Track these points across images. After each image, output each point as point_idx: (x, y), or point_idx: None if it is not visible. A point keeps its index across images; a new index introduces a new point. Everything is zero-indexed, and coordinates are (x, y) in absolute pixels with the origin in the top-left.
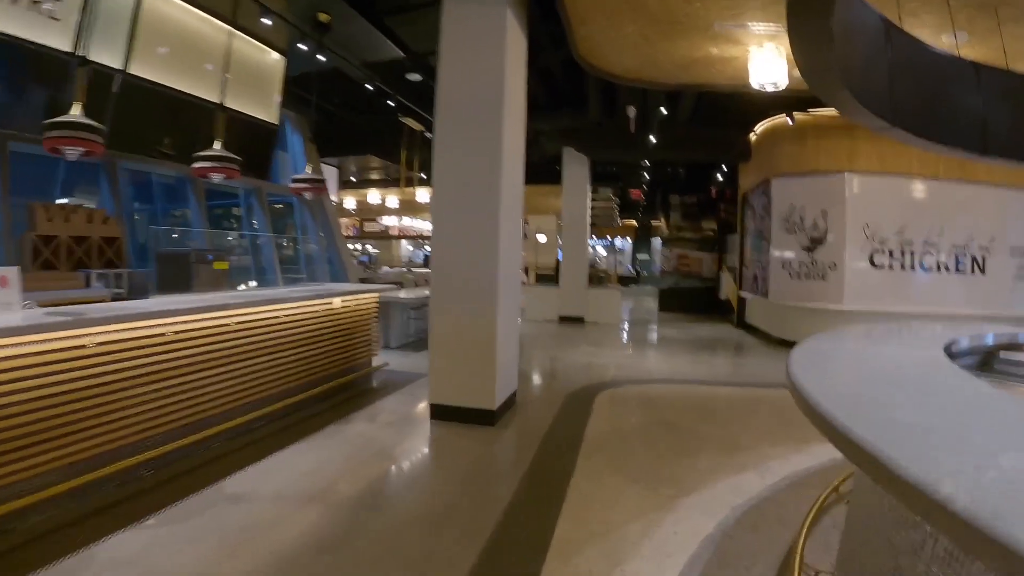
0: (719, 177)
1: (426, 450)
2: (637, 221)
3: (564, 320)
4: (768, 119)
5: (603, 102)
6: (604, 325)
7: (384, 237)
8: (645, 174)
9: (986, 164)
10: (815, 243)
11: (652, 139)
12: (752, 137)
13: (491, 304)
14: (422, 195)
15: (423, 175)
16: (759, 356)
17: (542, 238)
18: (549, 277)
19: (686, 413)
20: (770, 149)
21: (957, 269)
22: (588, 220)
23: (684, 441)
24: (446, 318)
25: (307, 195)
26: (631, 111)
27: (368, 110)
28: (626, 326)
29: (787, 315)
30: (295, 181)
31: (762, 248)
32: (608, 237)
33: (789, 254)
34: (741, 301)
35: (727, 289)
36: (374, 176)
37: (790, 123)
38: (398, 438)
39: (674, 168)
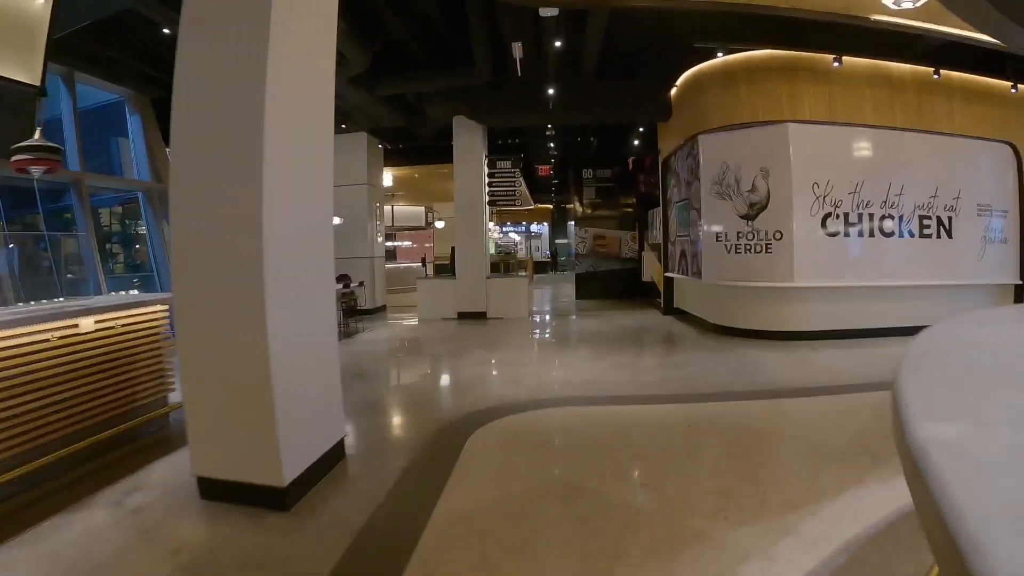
0: (636, 143)
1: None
2: (552, 204)
3: (463, 317)
4: (692, 67)
5: (493, 53)
6: (510, 320)
7: None
8: (551, 145)
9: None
10: (755, 209)
11: (551, 92)
12: (673, 91)
13: (257, 321)
14: None
15: None
16: (695, 350)
17: (440, 224)
18: (448, 268)
19: (601, 460)
20: (695, 101)
21: (922, 234)
22: (485, 199)
23: (595, 528)
24: (195, 342)
25: (35, 171)
26: (517, 50)
27: None
28: (536, 320)
29: (725, 297)
30: (14, 152)
31: (690, 220)
32: (524, 223)
33: (724, 225)
34: (668, 283)
35: (651, 270)
36: None
37: (719, 59)
38: (130, 542)
39: (584, 137)
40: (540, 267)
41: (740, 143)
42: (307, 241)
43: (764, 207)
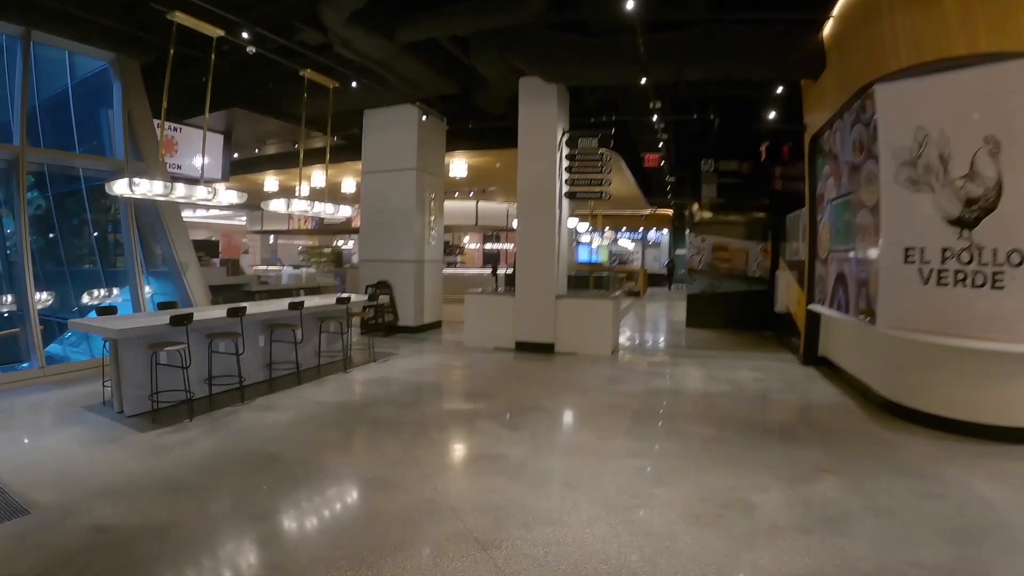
0: (771, 116)
1: None
2: (672, 207)
3: (523, 349)
4: None
5: None
6: (583, 361)
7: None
8: (659, 126)
9: None
10: (975, 209)
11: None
12: (826, 29)
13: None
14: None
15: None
16: (860, 462)
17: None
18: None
19: None
20: (866, 34)
21: None
22: (560, 189)
23: None
24: None
25: None
26: None
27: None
28: (619, 363)
29: (914, 357)
30: None
31: (855, 226)
32: (641, 229)
33: (918, 235)
34: (813, 320)
35: (787, 298)
36: (272, 149)
37: None
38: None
39: (701, 113)
40: (655, 280)
41: (948, 95)
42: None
43: (991, 206)
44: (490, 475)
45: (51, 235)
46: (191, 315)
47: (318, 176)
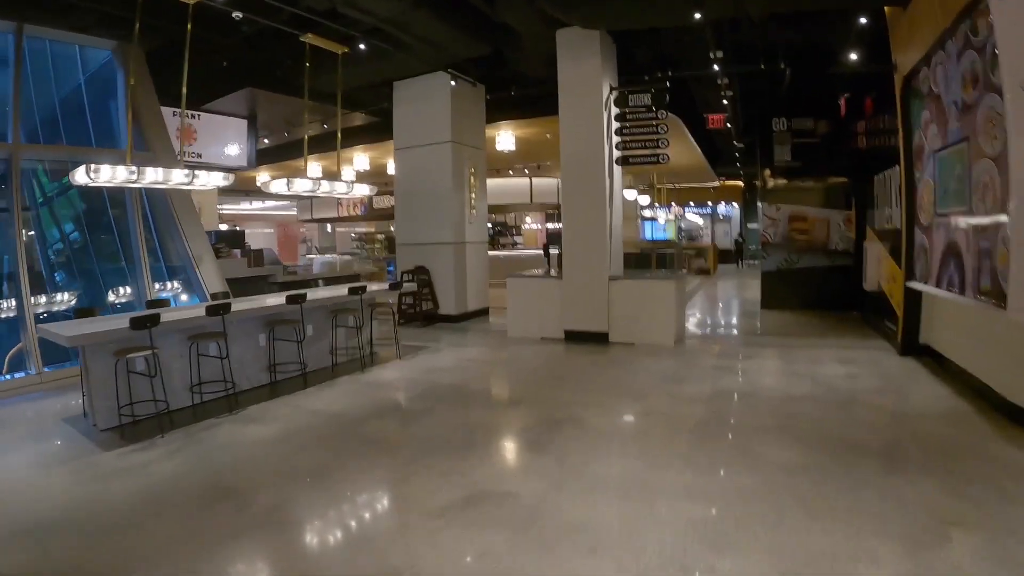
0: (852, 57)
1: None
2: (743, 179)
3: (573, 338)
4: None
5: None
6: (641, 352)
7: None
8: (720, 75)
9: None
10: None
11: None
12: None
13: None
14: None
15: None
16: (1003, 509)
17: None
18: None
19: None
20: None
21: None
22: (609, 155)
23: None
24: None
25: None
26: None
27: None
28: (684, 354)
29: None
30: None
31: (972, 181)
32: (709, 204)
33: None
34: (913, 300)
35: (878, 273)
36: (312, 131)
37: None
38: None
39: (770, 63)
40: (726, 257)
41: None
42: None
43: None
44: (490, 528)
45: (77, 234)
46: (156, 316)
47: (361, 159)
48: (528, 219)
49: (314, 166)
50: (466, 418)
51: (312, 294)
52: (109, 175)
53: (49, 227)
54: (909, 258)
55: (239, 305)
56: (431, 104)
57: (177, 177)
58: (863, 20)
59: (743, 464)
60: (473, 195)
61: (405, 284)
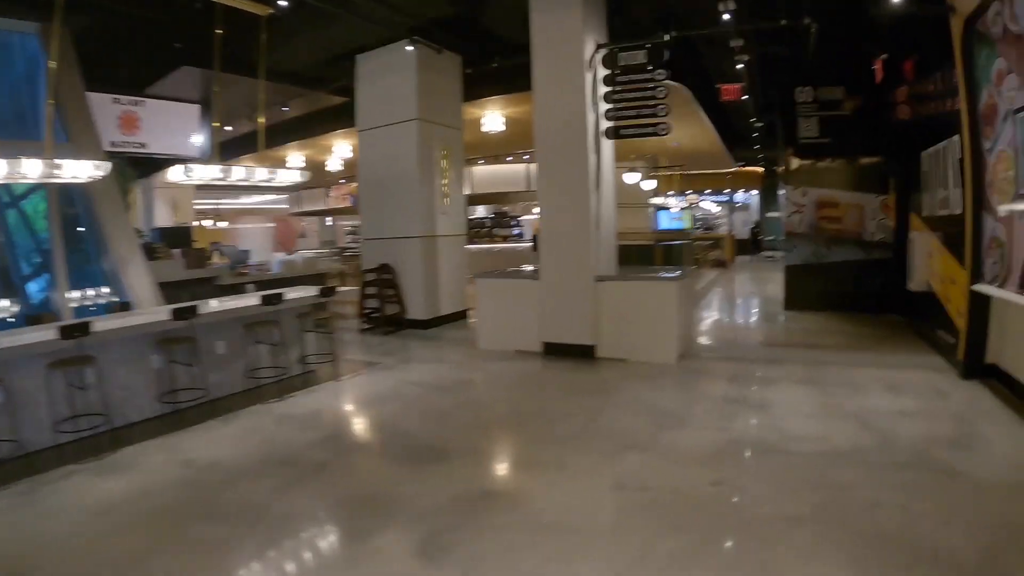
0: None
1: None
2: (763, 165)
3: (553, 352)
4: None
5: None
6: (636, 373)
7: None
8: (734, 35)
9: None
10: None
11: None
12: None
13: None
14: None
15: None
16: None
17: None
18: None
19: None
20: None
21: None
22: (594, 126)
23: None
24: None
25: None
26: None
27: None
28: (686, 375)
29: None
30: None
31: None
32: (728, 191)
33: None
34: (980, 307)
35: (926, 271)
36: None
37: None
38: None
39: (795, 24)
40: (744, 247)
41: None
42: None
43: None
44: None
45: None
46: None
47: (344, 147)
48: (536, 209)
49: (297, 155)
50: (361, 483)
51: (220, 304)
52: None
53: None
54: (976, 253)
55: (111, 323)
56: (395, 77)
57: (35, 170)
58: None
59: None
60: (446, 181)
61: (370, 287)
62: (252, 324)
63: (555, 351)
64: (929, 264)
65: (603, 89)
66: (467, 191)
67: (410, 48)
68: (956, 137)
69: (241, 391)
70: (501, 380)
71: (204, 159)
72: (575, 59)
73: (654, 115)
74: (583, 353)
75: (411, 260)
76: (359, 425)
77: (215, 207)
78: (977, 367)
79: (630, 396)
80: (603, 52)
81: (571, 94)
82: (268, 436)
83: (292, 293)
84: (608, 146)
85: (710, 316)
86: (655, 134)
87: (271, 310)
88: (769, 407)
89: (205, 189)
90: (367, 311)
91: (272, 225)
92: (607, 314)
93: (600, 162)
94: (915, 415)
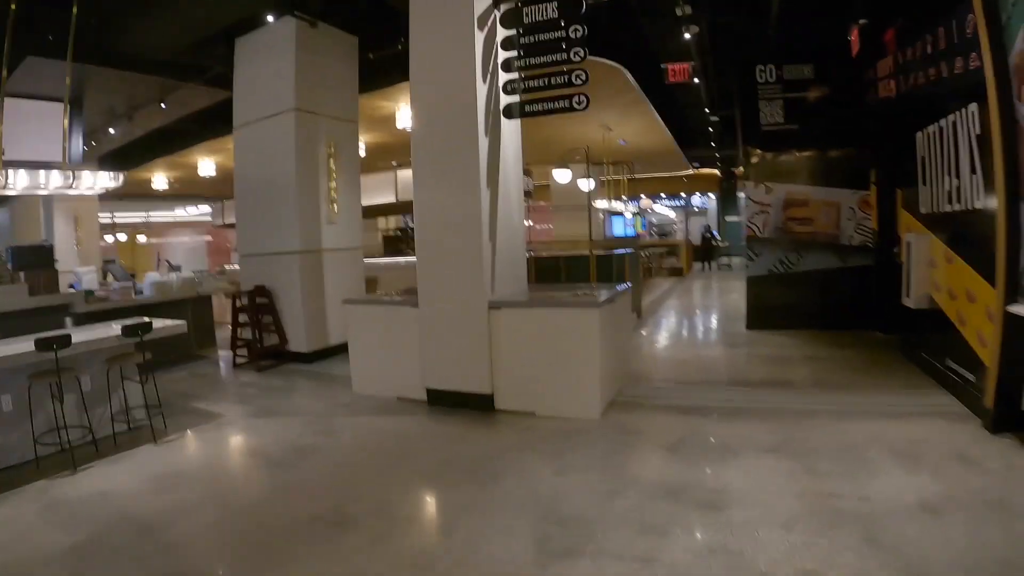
0: None
1: None
2: (719, 168)
3: (438, 402)
4: None
5: None
6: (545, 433)
7: None
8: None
9: None
10: None
11: None
12: None
13: None
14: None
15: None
16: None
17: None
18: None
19: None
20: None
21: None
22: (485, 103)
23: None
24: None
25: None
26: None
27: None
28: (610, 440)
29: None
30: None
31: None
32: (683, 195)
33: None
34: (1016, 334)
35: (930, 284)
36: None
37: None
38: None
39: None
40: (699, 255)
41: None
42: None
43: None
44: None
45: None
46: None
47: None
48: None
49: (207, 162)
50: None
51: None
52: None
53: None
54: (1013, 262)
55: None
56: (274, 62)
57: None
58: None
59: None
60: (334, 184)
61: (239, 312)
62: (42, 373)
63: (443, 400)
64: (929, 275)
65: (503, 55)
66: (391, 198)
67: (269, 18)
68: (972, 106)
69: (31, 460)
70: (356, 448)
71: (72, 164)
72: (462, 17)
73: (569, 82)
74: (479, 404)
75: (290, 280)
76: (115, 532)
77: (145, 220)
78: (1009, 415)
79: (521, 484)
80: (501, 8)
81: (457, 62)
82: (15, 535)
83: (98, 332)
84: (511, 129)
85: (657, 339)
86: (571, 108)
87: (68, 355)
88: (726, 506)
89: (127, 200)
90: (241, 342)
91: (208, 239)
92: (508, 353)
93: (501, 149)
94: (943, 511)
